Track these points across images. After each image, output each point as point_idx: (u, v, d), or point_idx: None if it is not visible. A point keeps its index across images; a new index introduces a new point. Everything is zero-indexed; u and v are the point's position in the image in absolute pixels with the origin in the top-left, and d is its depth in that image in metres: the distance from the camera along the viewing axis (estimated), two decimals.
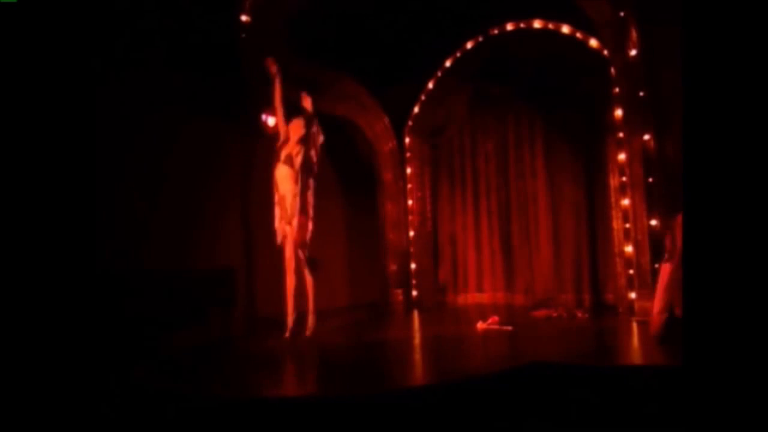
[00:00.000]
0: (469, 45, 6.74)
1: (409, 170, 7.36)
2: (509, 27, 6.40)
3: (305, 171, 4.79)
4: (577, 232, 6.68)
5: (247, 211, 6.17)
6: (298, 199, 4.70)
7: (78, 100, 2.67)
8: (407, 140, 7.33)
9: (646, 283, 5.15)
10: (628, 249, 5.44)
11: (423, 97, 7.20)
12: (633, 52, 5.22)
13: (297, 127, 4.86)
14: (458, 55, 6.85)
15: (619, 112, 5.51)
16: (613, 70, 5.54)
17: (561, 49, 6.13)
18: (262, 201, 5.34)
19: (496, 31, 6.50)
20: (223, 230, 5.96)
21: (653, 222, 5.17)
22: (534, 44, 6.33)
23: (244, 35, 5.41)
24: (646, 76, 5.21)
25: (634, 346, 4.55)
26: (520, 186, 7.18)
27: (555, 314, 6.04)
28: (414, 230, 7.38)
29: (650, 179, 5.22)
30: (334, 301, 6.89)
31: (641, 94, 5.25)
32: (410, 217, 7.38)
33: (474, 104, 7.45)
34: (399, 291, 7.17)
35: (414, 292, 7.28)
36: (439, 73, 7.04)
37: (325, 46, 6.22)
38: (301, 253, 4.76)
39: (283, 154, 4.79)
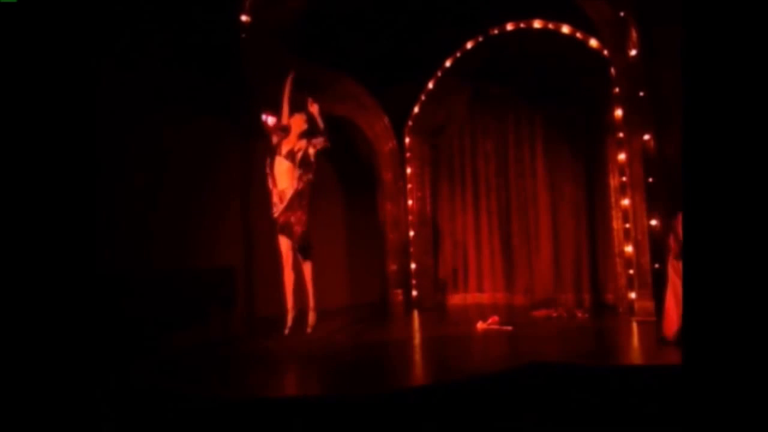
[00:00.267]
0: (469, 45, 6.74)
1: (409, 170, 7.36)
2: (509, 27, 6.40)
3: (304, 166, 4.76)
4: (577, 232, 6.68)
5: (247, 211, 6.17)
6: (297, 193, 4.68)
7: (78, 99, 2.67)
8: (407, 140, 7.33)
9: (646, 283, 5.15)
10: (628, 249, 5.44)
11: (423, 97, 7.20)
12: (633, 52, 5.22)
13: (298, 122, 4.87)
14: (458, 55, 6.85)
15: (619, 112, 5.51)
16: (613, 70, 5.54)
17: (561, 49, 6.13)
18: (262, 201, 5.34)
19: (496, 31, 6.50)
20: (223, 230, 5.96)
21: (653, 222, 5.17)
22: (534, 44, 6.33)
23: (244, 35, 5.41)
24: (646, 76, 5.21)
25: (634, 346, 4.56)
26: (520, 186, 7.18)
27: (555, 314, 6.05)
28: (414, 230, 7.38)
29: (650, 179, 5.22)
30: (334, 301, 6.89)
31: (641, 94, 5.25)
32: (410, 217, 7.38)
33: (474, 104, 7.45)
34: (399, 291, 7.17)
35: (414, 292, 7.28)
36: (439, 73, 7.04)
37: (325, 46, 6.22)
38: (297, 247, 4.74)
39: (284, 149, 4.78)
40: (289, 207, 4.70)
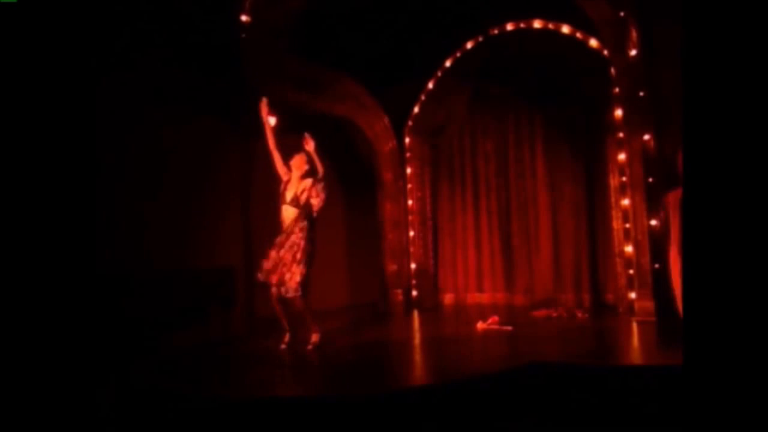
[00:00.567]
0: (469, 45, 6.74)
1: (409, 170, 7.36)
2: (509, 27, 6.39)
3: (309, 216, 4.60)
4: (577, 232, 6.68)
5: (247, 211, 6.17)
6: (302, 241, 4.52)
7: (78, 99, 2.67)
8: (407, 140, 7.33)
9: (646, 283, 5.15)
10: (628, 249, 5.44)
11: (423, 97, 7.20)
12: (633, 52, 5.22)
13: (299, 163, 4.69)
14: (458, 55, 6.85)
15: (619, 112, 5.51)
16: (613, 70, 5.54)
17: (561, 49, 6.13)
18: (262, 201, 5.34)
19: (496, 31, 6.50)
20: (223, 230, 5.96)
21: (653, 222, 5.17)
22: (534, 44, 6.33)
23: (244, 35, 5.41)
24: (646, 76, 5.21)
25: (634, 346, 4.56)
26: (520, 186, 7.18)
27: (555, 314, 6.05)
28: (414, 230, 7.38)
29: (650, 179, 5.22)
30: (334, 301, 6.89)
31: (641, 94, 5.25)
32: (410, 217, 7.38)
33: (474, 104, 7.45)
34: (399, 291, 7.17)
35: (414, 292, 7.28)
36: (439, 73, 7.04)
37: (325, 46, 6.22)
38: (293, 301, 4.53)
39: (288, 196, 4.64)
40: (282, 261, 4.51)
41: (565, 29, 6.01)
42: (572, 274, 6.68)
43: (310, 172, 4.69)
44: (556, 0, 5.63)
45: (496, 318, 5.49)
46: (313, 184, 4.65)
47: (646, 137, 5.26)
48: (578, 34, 5.93)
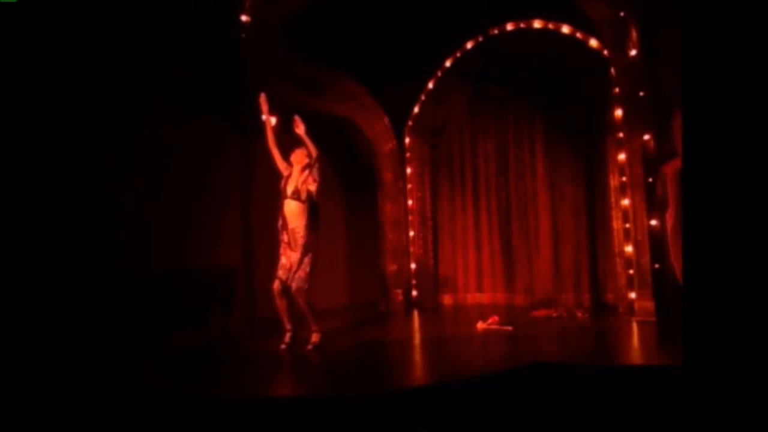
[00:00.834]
0: (469, 45, 6.74)
1: (409, 170, 7.36)
2: (509, 27, 6.39)
3: (311, 205, 4.61)
4: (577, 232, 6.68)
5: (247, 211, 6.17)
6: (304, 237, 4.54)
7: (78, 99, 2.67)
8: (407, 140, 7.33)
9: (646, 283, 5.15)
10: (628, 249, 5.44)
11: (423, 97, 7.20)
12: (633, 52, 5.22)
13: (300, 157, 4.69)
14: (458, 55, 6.85)
15: (619, 112, 5.51)
16: (613, 70, 5.54)
17: (561, 49, 6.12)
18: (262, 201, 5.33)
19: (496, 31, 6.50)
20: (223, 230, 5.96)
21: (653, 222, 5.17)
22: (534, 44, 6.33)
23: (244, 35, 5.41)
24: (646, 76, 5.21)
25: (634, 346, 4.55)
26: (520, 186, 7.18)
27: (555, 314, 6.05)
28: (414, 230, 7.38)
29: (650, 179, 5.22)
30: (334, 301, 6.89)
31: (641, 94, 5.25)
32: (410, 217, 7.38)
33: (474, 104, 7.44)
34: (399, 291, 7.16)
35: (414, 292, 7.28)
36: (439, 73, 7.03)
37: (325, 46, 6.22)
38: (297, 293, 4.52)
39: (289, 190, 4.64)
40: (296, 245, 4.55)
41: (565, 29, 6.01)
42: (572, 274, 6.68)
43: (309, 166, 4.68)
44: (556, 0, 5.63)
45: (496, 318, 5.49)
46: (309, 171, 4.64)
47: (646, 137, 5.25)
48: (578, 34, 5.93)
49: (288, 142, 4.78)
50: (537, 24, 6.19)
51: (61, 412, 2.49)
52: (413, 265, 7.33)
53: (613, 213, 5.97)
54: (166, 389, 3.53)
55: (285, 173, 4.73)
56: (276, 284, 4.57)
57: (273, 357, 4.49)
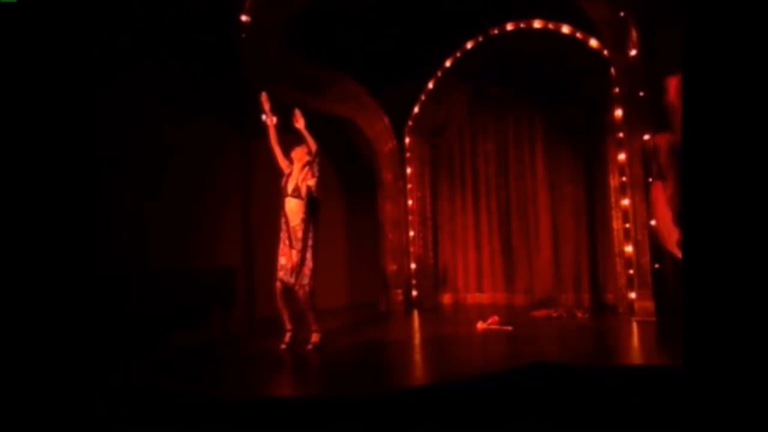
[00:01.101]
0: (469, 45, 6.74)
1: (409, 170, 7.36)
2: (509, 27, 6.39)
3: (310, 202, 4.61)
4: (577, 232, 6.68)
5: (247, 211, 6.17)
6: (303, 231, 4.54)
7: (78, 99, 2.67)
8: (407, 140, 7.33)
9: (646, 283, 5.16)
10: (628, 249, 5.44)
11: (423, 97, 7.20)
12: (633, 52, 5.23)
13: (300, 155, 4.69)
14: (458, 55, 6.85)
15: (619, 112, 5.51)
16: (613, 70, 5.54)
17: (561, 49, 6.12)
18: (262, 201, 5.33)
19: (496, 31, 6.50)
20: (223, 230, 5.96)
21: (653, 222, 5.17)
22: (534, 44, 6.33)
23: (244, 35, 5.41)
24: (646, 76, 5.21)
25: (634, 346, 4.55)
26: (520, 186, 7.18)
27: (555, 314, 6.05)
28: (414, 230, 7.38)
29: (650, 179, 5.22)
30: (334, 301, 6.89)
31: (641, 94, 5.25)
32: (410, 217, 7.38)
33: (474, 104, 7.45)
34: (399, 291, 7.17)
35: (414, 292, 7.28)
36: (439, 73, 7.03)
37: (325, 46, 6.22)
38: (304, 295, 4.52)
39: (289, 188, 4.64)
40: (296, 242, 4.56)
41: (565, 29, 6.01)
42: (572, 274, 6.68)
43: (310, 164, 4.67)
44: (556, 0, 5.63)
45: (496, 318, 5.49)
46: (309, 167, 4.64)
47: (646, 137, 5.26)
48: (578, 34, 5.93)
49: (289, 141, 4.78)
50: (537, 24, 6.19)
51: (61, 412, 2.49)
52: (413, 265, 7.33)
53: (613, 213, 5.97)
54: (166, 389, 3.53)
55: (286, 171, 4.74)
56: (278, 285, 4.57)
57: (273, 357, 4.49)
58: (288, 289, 4.57)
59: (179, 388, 3.55)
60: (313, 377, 4.10)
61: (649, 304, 5.10)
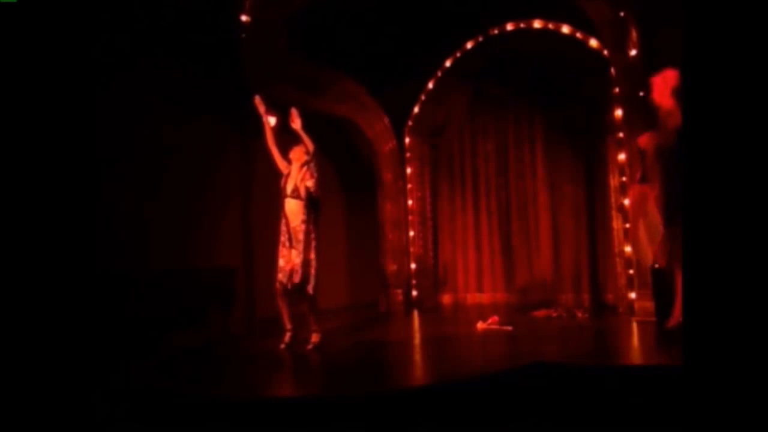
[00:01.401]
0: (469, 45, 6.74)
1: (409, 170, 7.36)
2: (509, 27, 6.39)
3: (310, 202, 4.59)
4: (577, 232, 6.68)
5: (247, 211, 6.17)
6: (303, 233, 4.52)
7: (78, 99, 2.67)
8: (407, 140, 7.33)
9: (646, 283, 5.15)
10: (628, 249, 5.43)
11: (423, 97, 7.20)
12: (633, 52, 5.22)
13: (299, 154, 4.67)
14: (458, 55, 6.85)
15: (619, 112, 5.51)
16: (613, 70, 5.54)
17: (561, 49, 6.12)
18: (262, 201, 5.33)
19: (496, 31, 6.50)
20: (223, 230, 5.96)
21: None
22: (534, 44, 6.33)
23: (244, 35, 5.41)
24: (646, 76, 5.20)
25: (634, 346, 4.55)
26: (520, 186, 7.18)
27: (555, 314, 6.04)
28: (414, 230, 7.38)
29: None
30: (334, 301, 6.89)
31: (641, 94, 5.25)
32: (410, 217, 7.38)
33: (474, 104, 7.44)
34: (399, 291, 7.16)
35: (414, 292, 7.28)
36: (439, 73, 7.03)
37: (325, 46, 6.22)
38: (302, 289, 4.50)
39: (288, 188, 4.62)
40: (297, 243, 4.54)
41: (565, 29, 6.01)
42: (572, 274, 6.68)
43: (308, 163, 4.66)
44: (556, 0, 5.63)
45: (496, 318, 5.49)
46: (307, 166, 4.63)
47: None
48: (578, 34, 5.93)
49: (288, 142, 4.78)
50: (537, 24, 6.18)
51: (61, 412, 2.49)
52: (413, 265, 7.32)
53: (613, 213, 5.96)
54: (166, 389, 3.53)
55: (285, 172, 4.73)
56: (278, 285, 4.57)
57: (273, 357, 4.49)
58: (288, 290, 4.57)
59: (179, 388, 3.55)
60: (313, 377, 4.10)
61: (649, 304, 5.09)
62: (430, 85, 7.12)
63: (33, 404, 2.42)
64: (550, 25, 6.09)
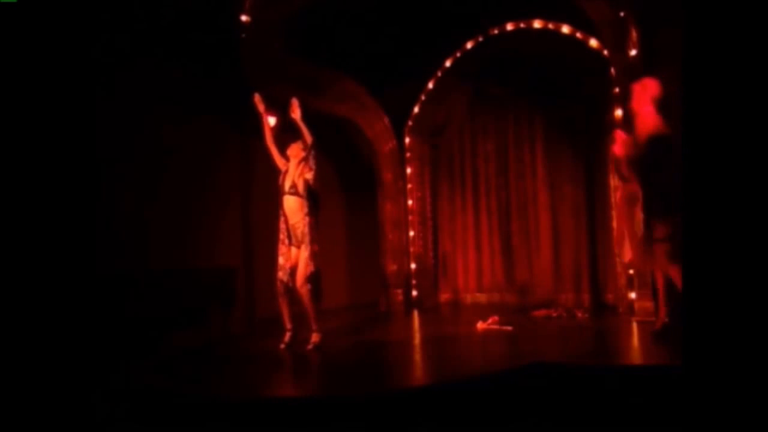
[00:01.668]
0: (469, 45, 6.74)
1: (409, 170, 7.36)
2: (509, 27, 6.39)
3: (310, 196, 4.60)
4: (577, 232, 6.68)
5: (247, 211, 6.17)
6: (308, 226, 4.53)
7: (78, 100, 2.67)
8: (407, 140, 7.33)
9: (646, 283, 5.14)
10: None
11: (423, 97, 7.20)
12: (633, 52, 5.22)
13: (296, 151, 4.68)
14: (458, 55, 6.85)
15: (619, 112, 5.50)
16: (613, 70, 5.53)
17: (561, 49, 6.12)
18: (262, 201, 5.32)
19: (496, 31, 6.50)
20: (223, 230, 5.96)
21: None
22: (534, 44, 6.33)
23: (244, 35, 5.41)
24: (646, 76, 5.20)
25: (634, 346, 4.55)
26: (520, 186, 7.18)
27: (555, 314, 6.04)
28: (414, 230, 7.38)
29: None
30: (334, 301, 6.90)
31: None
32: (410, 217, 7.38)
33: (474, 104, 7.44)
34: (399, 291, 7.17)
35: (414, 292, 7.28)
36: (439, 73, 7.03)
37: (325, 46, 6.22)
38: (305, 286, 4.51)
39: (286, 185, 4.62)
40: (303, 239, 4.54)
41: (565, 29, 6.01)
42: (572, 274, 6.68)
43: (306, 159, 4.66)
44: (556, 0, 5.63)
45: (496, 318, 5.49)
46: (305, 161, 4.62)
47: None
48: (578, 34, 5.93)
49: (288, 141, 4.78)
50: (537, 24, 6.18)
51: (61, 412, 2.49)
52: (413, 265, 7.32)
53: (613, 213, 5.96)
54: (166, 389, 3.53)
55: (283, 169, 4.74)
56: (279, 284, 4.58)
57: (273, 357, 4.49)
58: (289, 289, 4.57)
59: (179, 388, 3.55)
60: (313, 377, 4.10)
61: (649, 304, 5.09)
62: (430, 85, 7.12)
63: (33, 404, 2.42)
64: (550, 25, 6.09)
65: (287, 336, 4.63)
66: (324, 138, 4.90)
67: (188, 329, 5.22)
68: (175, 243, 5.39)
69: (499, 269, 7.29)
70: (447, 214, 7.65)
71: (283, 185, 4.66)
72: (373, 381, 3.73)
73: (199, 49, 5.38)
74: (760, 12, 2.13)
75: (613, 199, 5.93)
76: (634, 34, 5.17)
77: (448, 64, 6.94)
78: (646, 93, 4.24)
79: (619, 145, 4.71)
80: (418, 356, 4.65)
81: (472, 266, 7.46)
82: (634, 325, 5.03)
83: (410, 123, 7.30)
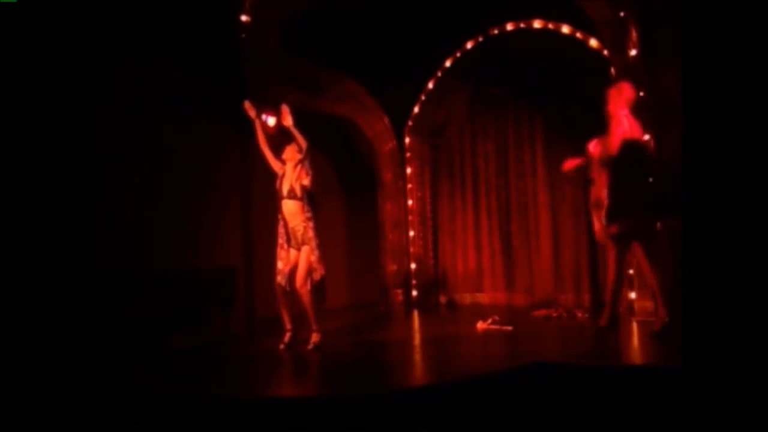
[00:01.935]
0: (469, 45, 6.74)
1: (409, 170, 7.36)
2: (509, 27, 6.40)
3: (308, 200, 4.61)
4: (577, 232, 6.68)
5: (247, 211, 6.16)
6: (312, 230, 4.55)
7: (78, 100, 2.67)
8: (407, 140, 7.33)
9: (646, 283, 5.14)
10: None
11: (423, 97, 7.20)
12: (633, 52, 5.22)
13: (291, 153, 4.68)
14: (458, 55, 6.85)
15: None
16: (613, 70, 5.54)
17: (561, 49, 6.12)
18: (261, 201, 5.32)
19: (496, 31, 6.50)
20: (223, 230, 5.96)
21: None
22: (534, 44, 6.33)
23: (244, 35, 5.41)
24: (646, 76, 5.21)
25: (634, 346, 4.55)
26: (520, 186, 7.18)
27: (555, 314, 6.04)
28: (414, 230, 7.38)
29: (650, 179, 5.21)
30: (334, 301, 6.89)
31: (641, 94, 5.24)
32: (410, 217, 7.38)
33: (474, 104, 7.44)
34: (399, 291, 7.17)
35: (414, 292, 7.28)
36: (439, 73, 7.04)
37: (325, 46, 6.21)
38: (305, 286, 4.54)
39: (284, 189, 4.63)
40: (304, 241, 4.56)
41: (565, 29, 6.01)
42: (572, 274, 6.68)
43: (303, 161, 4.65)
44: (556, 0, 5.63)
45: (496, 318, 5.49)
46: (301, 165, 4.62)
47: (646, 137, 5.25)
48: (578, 34, 5.93)
49: (285, 143, 4.78)
50: (537, 24, 6.19)
51: (61, 412, 2.49)
52: (413, 265, 7.32)
53: None
54: (166, 389, 3.53)
55: (279, 172, 4.73)
56: (278, 288, 4.59)
57: (273, 357, 4.49)
58: (288, 292, 4.58)
59: (179, 388, 3.56)
60: (313, 377, 4.10)
61: (649, 304, 5.09)
62: (430, 85, 7.12)
63: (33, 404, 2.42)
64: (550, 25, 6.10)
65: (287, 336, 4.63)
66: (324, 138, 4.90)
67: (188, 329, 5.21)
68: (175, 243, 5.39)
69: (499, 269, 7.29)
70: (447, 214, 7.65)
71: (281, 189, 4.66)
72: (373, 381, 3.73)
73: (199, 49, 5.37)
74: (760, 12, 2.13)
75: None
76: (634, 34, 5.17)
77: (448, 64, 6.94)
78: (621, 97, 4.39)
79: (595, 144, 4.78)
80: (418, 356, 4.65)
81: (472, 266, 7.46)
82: (634, 325, 5.03)
83: (410, 123, 7.30)
